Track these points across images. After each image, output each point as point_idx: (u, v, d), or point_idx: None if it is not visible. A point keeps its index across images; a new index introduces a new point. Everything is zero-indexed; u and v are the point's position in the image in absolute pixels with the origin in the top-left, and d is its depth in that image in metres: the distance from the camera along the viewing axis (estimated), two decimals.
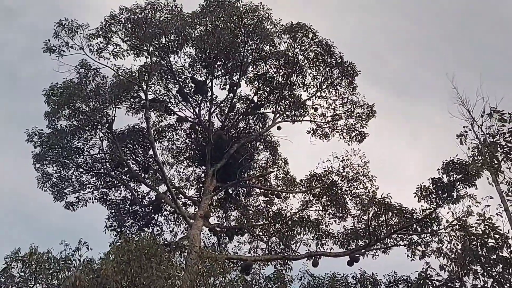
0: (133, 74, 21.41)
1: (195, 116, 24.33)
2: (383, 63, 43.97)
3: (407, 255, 19.85)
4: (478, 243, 12.93)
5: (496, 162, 13.03)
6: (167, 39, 21.94)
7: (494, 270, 12.64)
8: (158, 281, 13.38)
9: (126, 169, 23.43)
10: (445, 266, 13.30)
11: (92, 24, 20.81)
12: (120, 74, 21.31)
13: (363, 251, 20.40)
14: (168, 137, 25.91)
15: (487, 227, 13.04)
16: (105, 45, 21.06)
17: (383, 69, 43.66)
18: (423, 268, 13.74)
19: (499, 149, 13.01)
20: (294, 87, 24.82)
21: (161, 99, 24.22)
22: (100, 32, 20.83)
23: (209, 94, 23.74)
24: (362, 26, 41.99)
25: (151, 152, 23.32)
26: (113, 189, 24.51)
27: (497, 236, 12.92)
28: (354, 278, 18.97)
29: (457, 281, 13.03)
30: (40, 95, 21.34)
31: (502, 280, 12.39)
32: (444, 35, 43.96)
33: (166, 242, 20.69)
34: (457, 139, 13.58)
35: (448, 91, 14.68)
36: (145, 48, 21.24)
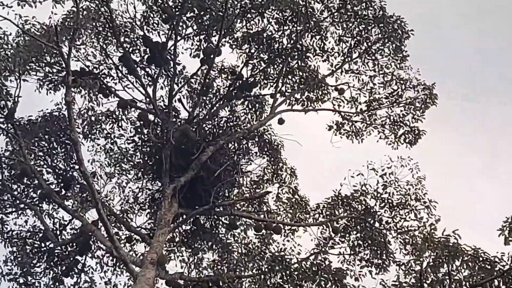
0: (50, 30, 20.07)
1: (148, 100, 22.75)
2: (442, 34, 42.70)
3: None
4: None
5: None
6: None
7: None
8: None
9: (35, 182, 21.86)
10: None
11: None
12: (28, 29, 19.92)
13: None
14: (106, 132, 24.27)
15: None
16: None
17: (442, 42, 42.36)
18: None
19: None
20: (307, 55, 23.51)
21: (94, 70, 22.74)
22: None
23: (171, 63, 22.41)
24: None
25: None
26: (14, 214, 22.89)
27: None
28: None
29: None
30: None
31: None
32: None
33: None
34: None
35: None
36: None
